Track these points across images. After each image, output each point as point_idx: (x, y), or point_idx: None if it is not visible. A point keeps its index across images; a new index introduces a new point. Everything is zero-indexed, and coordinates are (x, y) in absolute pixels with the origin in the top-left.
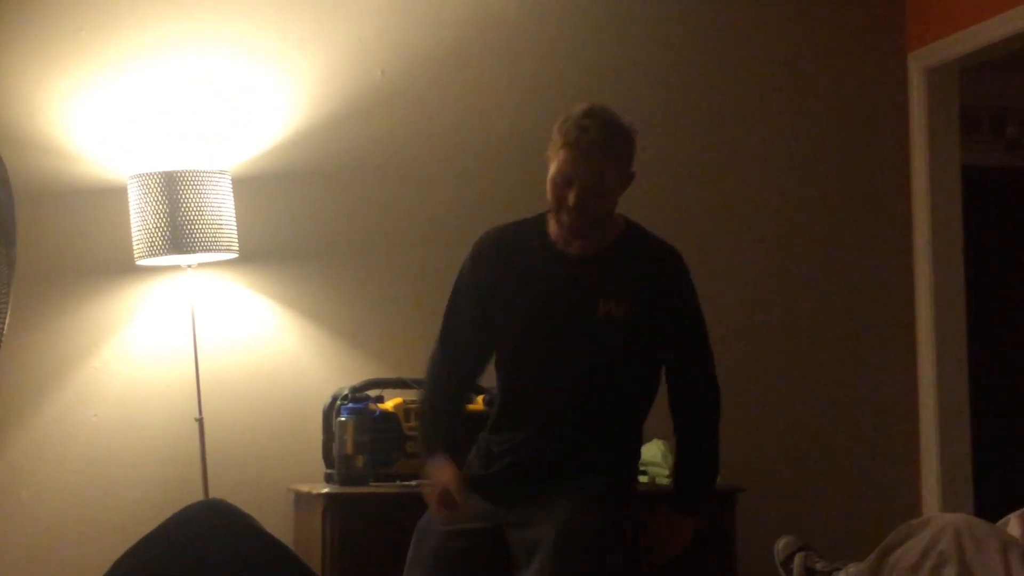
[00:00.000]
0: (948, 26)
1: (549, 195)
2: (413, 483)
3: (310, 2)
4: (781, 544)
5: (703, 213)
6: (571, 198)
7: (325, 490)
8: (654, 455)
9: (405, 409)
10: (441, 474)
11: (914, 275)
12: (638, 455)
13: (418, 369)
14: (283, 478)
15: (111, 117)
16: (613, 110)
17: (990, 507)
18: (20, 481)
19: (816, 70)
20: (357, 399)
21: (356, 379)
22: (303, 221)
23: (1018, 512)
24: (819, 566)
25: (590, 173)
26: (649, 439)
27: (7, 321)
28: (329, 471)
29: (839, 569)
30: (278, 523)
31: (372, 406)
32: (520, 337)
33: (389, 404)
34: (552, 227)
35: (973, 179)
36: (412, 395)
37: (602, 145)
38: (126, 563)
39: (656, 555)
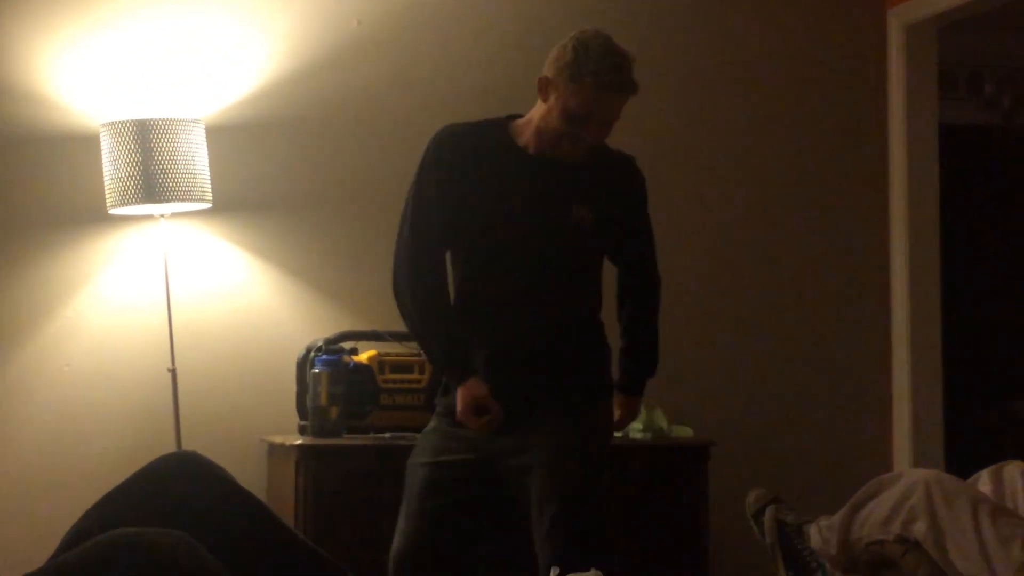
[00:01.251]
0: None
1: (559, 123)
2: (386, 435)
3: None
4: (752, 497)
5: (679, 164)
6: (589, 133)
7: (298, 441)
8: (652, 420)
9: (379, 361)
10: (469, 390)
11: (889, 232)
12: (605, 346)
13: (392, 323)
14: (256, 429)
15: (84, 64)
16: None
17: (961, 463)
18: None
19: (795, 24)
20: (331, 351)
21: (330, 331)
22: (277, 171)
23: (989, 469)
24: (790, 519)
25: (614, 110)
26: (650, 407)
27: None
28: (303, 423)
29: (810, 522)
30: (251, 474)
31: (346, 358)
32: (491, 238)
33: (363, 356)
34: (522, 134)
35: (949, 137)
36: (386, 347)
37: (629, 83)
38: (96, 513)
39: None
